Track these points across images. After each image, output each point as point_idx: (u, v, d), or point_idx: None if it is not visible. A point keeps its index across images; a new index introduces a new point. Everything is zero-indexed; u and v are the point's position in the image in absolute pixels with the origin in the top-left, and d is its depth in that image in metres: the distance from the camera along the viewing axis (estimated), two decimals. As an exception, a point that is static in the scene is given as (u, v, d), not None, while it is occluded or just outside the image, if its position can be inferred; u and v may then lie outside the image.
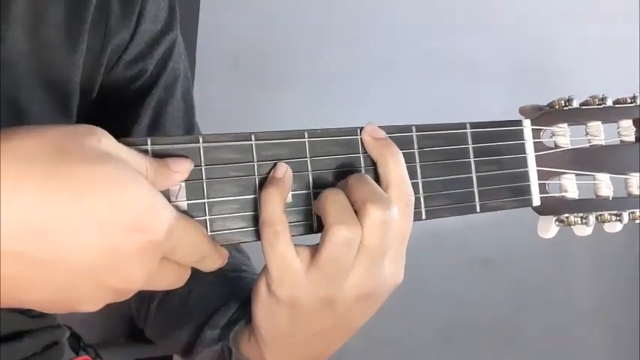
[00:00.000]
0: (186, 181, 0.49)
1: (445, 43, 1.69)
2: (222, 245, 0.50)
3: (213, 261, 0.49)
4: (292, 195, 0.52)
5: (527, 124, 0.63)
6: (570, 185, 0.63)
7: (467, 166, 0.60)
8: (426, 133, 0.58)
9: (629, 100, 0.65)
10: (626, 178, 0.65)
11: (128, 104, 0.68)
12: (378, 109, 1.61)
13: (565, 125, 0.63)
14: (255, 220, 0.51)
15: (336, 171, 0.54)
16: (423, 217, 0.57)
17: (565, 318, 1.90)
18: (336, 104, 1.63)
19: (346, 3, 1.64)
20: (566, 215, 0.63)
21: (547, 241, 0.65)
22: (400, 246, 0.53)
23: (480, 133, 0.60)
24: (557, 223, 0.63)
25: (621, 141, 0.65)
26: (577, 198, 0.63)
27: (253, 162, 0.52)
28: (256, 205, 0.51)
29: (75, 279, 0.42)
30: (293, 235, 0.50)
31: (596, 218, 0.63)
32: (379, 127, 0.56)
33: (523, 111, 0.65)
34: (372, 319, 0.56)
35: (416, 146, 0.57)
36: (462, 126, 0.60)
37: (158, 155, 0.48)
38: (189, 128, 0.72)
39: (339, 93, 1.63)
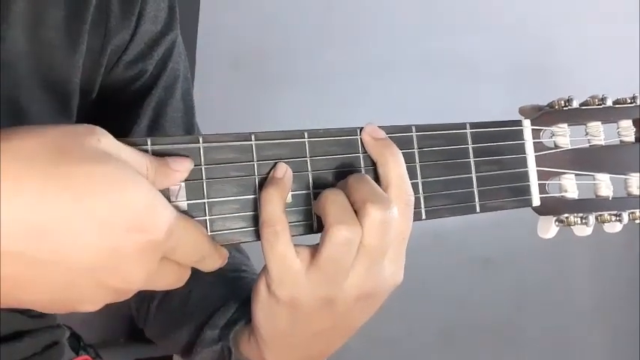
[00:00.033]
0: (186, 181, 0.49)
1: (445, 43, 1.69)
2: (222, 245, 0.50)
3: (213, 261, 0.49)
4: (292, 195, 0.52)
5: (527, 124, 0.63)
6: (570, 185, 0.63)
7: (467, 166, 0.60)
8: (426, 133, 0.58)
9: (628, 101, 0.65)
10: (625, 179, 0.65)
11: (128, 105, 0.68)
12: (378, 109, 1.61)
13: (565, 125, 0.63)
14: (255, 220, 0.51)
15: (335, 171, 0.54)
16: (423, 217, 0.57)
17: (565, 318, 1.90)
18: (336, 104, 1.63)
19: (346, 3, 1.64)
20: (566, 215, 0.63)
21: (547, 241, 0.65)
22: (400, 246, 0.53)
23: (479, 133, 0.60)
24: (557, 223, 0.63)
25: (621, 141, 0.65)
26: (577, 198, 0.63)
27: (253, 162, 0.52)
28: (256, 205, 0.51)
29: (75, 279, 0.42)
30: (293, 235, 0.50)
31: (596, 218, 0.63)
32: (379, 127, 0.56)
33: (523, 111, 0.65)
34: (372, 319, 0.56)
35: (416, 146, 0.57)
36: (462, 126, 0.60)
37: (158, 155, 0.48)
38: (189, 128, 0.72)
39: (339, 93, 1.63)
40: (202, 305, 0.66)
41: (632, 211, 0.64)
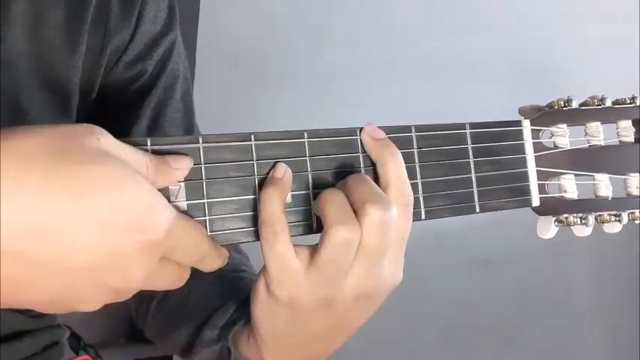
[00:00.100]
0: (185, 181, 0.49)
1: (445, 43, 1.69)
2: (221, 245, 0.50)
3: (213, 261, 0.49)
4: (292, 195, 0.52)
5: (526, 124, 0.63)
6: (569, 185, 0.63)
7: (466, 166, 0.60)
8: (426, 134, 0.58)
9: (628, 101, 0.65)
10: (625, 179, 0.65)
11: (127, 105, 0.68)
12: (378, 109, 1.61)
13: (564, 126, 0.63)
14: (255, 221, 0.51)
15: (335, 171, 0.54)
16: (423, 217, 0.57)
17: (565, 318, 1.90)
18: (336, 104, 1.63)
19: (346, 3, 1.64)
20: (566, 215, 0.63)
21: (547, 241, 0.65)
22: (399, 246, 0.53)
23: (479, 134, 0.60)
24: (556, 223, 0.63)
25: (620, 141, 0.65)
26: (576, 198, 0.63)
27: (253, 162, 0.52)
28: (256, 206, 0.51)
29: (75, 279, 0.42)
30: (292, 236, 0.50)
31: (596, 219, 0.63)
32: (379, 127, 0.56)
33: (522, 111, 0.65)
34: (372, 319, 0.56)
35: (415, 146, 0.57)
36: (462, 126, 0.60)
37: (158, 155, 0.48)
38: (189, 129, 0.72)
39: (339, 93, 1.63)
40: (201, 305, 0.66)
41: (631, 211, 0.64)
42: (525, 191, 0.62)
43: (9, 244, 0.39)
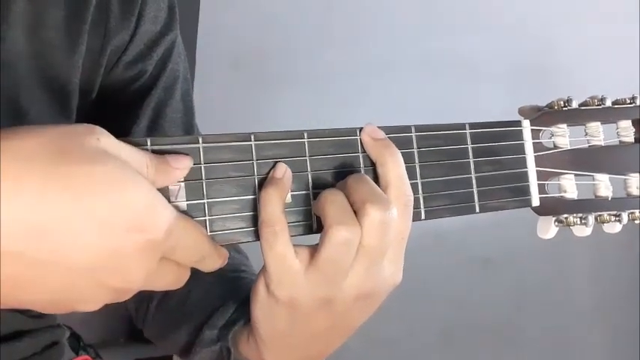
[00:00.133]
0: (185, 181, 0.49)
1: (445, 43, 1.69)
2: (221, 245, 0.50)
3: (213, 261, 0.49)
4: (292, 195, 0.52)
5: (526, 124, 0.63)
6: (569, 186, 0.63)
7: (466, 166, 0.60)
8: (426, 134, 0.58)
9: (628, 101, 0.65)
10: (625, 179, 0.65)
11: (127, 105, 0.68)
12: (378, 109, 1.61)
13: (564, 126, 0.63)
14: (255, 221, 0.51)
15: (335, 171, 0.54)
16: (423, 217, 0.57)
17: (565, 318, 1.90)
18: (336, 104, 1.63)
19: (346, 3, 1.64)
20: (566, 216, 0.63)
21: (547, 241, 0.65)
22: (399, 246, 0.53)
23: (479, 134, 0.60)
24: (556, 223, 0.63)
25: (620, 141, 0.65)
26: (576, 198, 0.63)
27: (253, 162, 0.52)
28: (256, 206, 0.51)
29: (75, 279, 0.42)
30: (292, 236, 0.50)
31: (596, 219, 0.63)
32: (378, 127, 0.56)
33: (522, 111, 0.65)
34: (372, 319, 0.56)
35: (415, 146, 0.57)
36: (462, 126, 0.60)
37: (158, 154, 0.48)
38: (189, 129, 0.72)
39: (339, 93, 1.63)
40: (201, 305, 0.66)
41: (631, 211, 0.64)
42: (525, 191, 0.62)
43: (9, 244, 0.39)
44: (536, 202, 0.63)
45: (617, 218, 0.63)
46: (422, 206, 0.57)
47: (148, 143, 0.48)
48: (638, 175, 0.65)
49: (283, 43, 1.58)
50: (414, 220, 0.55)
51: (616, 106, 0.65)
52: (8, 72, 0.57)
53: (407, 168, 0.55)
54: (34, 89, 0.60)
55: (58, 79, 0.61)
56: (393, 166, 0.54)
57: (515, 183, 0.62)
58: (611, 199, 0.64)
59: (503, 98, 1.59)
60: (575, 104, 0.64)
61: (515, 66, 1.75)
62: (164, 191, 0.47)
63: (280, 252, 0.49)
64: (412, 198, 0.54)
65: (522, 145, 0.62)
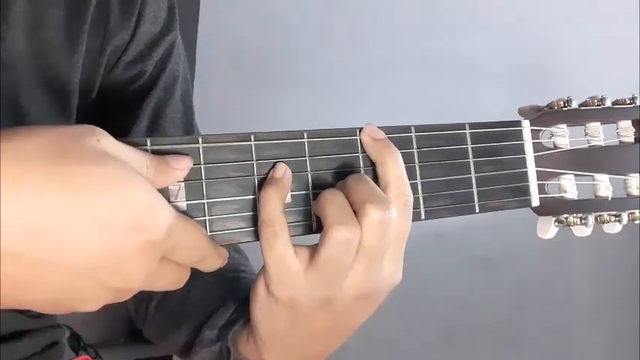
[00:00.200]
0: (185, 181, 0.49)
1: (445, 43, 1.69)
2: (221, 245, 0.50)
3: (213, 261, 0.49)
4: (291, 195, 0.52)
5: (526, 124, 0.63)
6: (569, 186, 0.63)
7: (466, 166, 0.60)
8: (425, 134, 0.58)
9: (628, 101, 0.65)
10: (625, 179, 0.65)
11: (127, 105, 0.68)
12: (378, 109, 1.61)
13: (564, 126, 0.63)
14: (255, 221, 0.51)
15: (335, 171, 0.54)
16: (422, 217, 0.57)
17: (565, 318, 1.90)
18: (336, 104, 1.63)
19: (346, 3, 1.64)
20: (566, 216, 0.63)
21: (547, 241, 0.65)
22: (399, 246, 0.53)
23: (479, 134, 0.60)
24: (556, 223, 0.63)
25: (620, 142, 0.65)
26: (576, 198, 0.63)
27: (252, 162, 0.52)
28: (255, 206, 0.51)
29: (75, 279, 0.42)
30: (292, 236, 0.50)
31: (596, 219, 0.63)
32: (378, 127, 0.56)
33: (522, 111, 0.65)
34: (372, 319, 0.56)
35: (415, 146, 0.57)
36: (461, 126, 0.60)
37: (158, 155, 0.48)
38: (188, 129, 0.72)
39: (339, 93, 1.63)
40: (201, 305, 0.66)
41: (631, 211, 0.64)
42: (525, 191, 0.62)
43: (9, 244, 0.39)
44: (536, 202, 0.63)
45: (617, 218, 0.63)
46: (422, 206, 0.57)
47: (148, 143, 0.48)
48: (638, 175, 0.65)
49: (283, 43, 1.59)
50: (413, 220, 0.55)
51: (616, 107, 0.65)
52: (8, 72, 0.57)
53: (407, 168, 0.55)
54: (34, 89, 0.60)
55: (58, 79, 0.61)
56: (393, 166, 0.54)
57: (515, 183, 0.62)
58: (611, 199, 0.64)
59: (503, 98, 1.60)
60: (575, 104, 0.64)
61: (515, 66, 1.76)
62: (164, 191, 0.48)
63: (280, 252, 0.49)
64: (412, 198, 0.54)
65: (522, 145, 0.62)
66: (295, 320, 0.53)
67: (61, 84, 0.62)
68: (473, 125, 0.60)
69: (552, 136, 0.64)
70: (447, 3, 1.71)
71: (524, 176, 0.62)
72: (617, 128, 0.65)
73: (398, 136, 0.56)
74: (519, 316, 1.86)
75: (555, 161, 0.63)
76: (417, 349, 1.78)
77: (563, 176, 0.63)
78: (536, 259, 1.77)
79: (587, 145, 0.64)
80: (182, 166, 0.48)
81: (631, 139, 0.65)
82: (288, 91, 1.60)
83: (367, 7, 1.64)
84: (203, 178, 0.50)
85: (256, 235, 0.51)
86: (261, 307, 0.53)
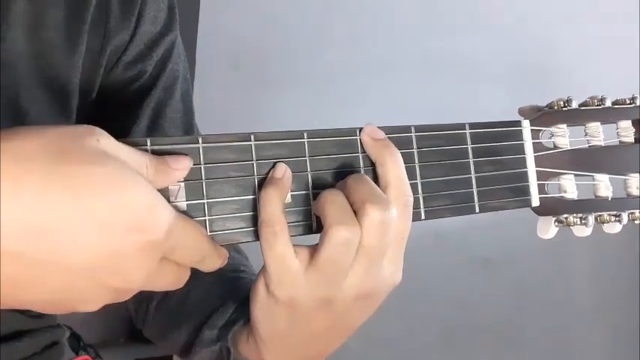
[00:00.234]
0: (185, 181, 0.49)
1: (445, 43, 1.69)
2: (221, 245, 0.50)
3: (213, 261, 0.49)
4: (291, 195, 0.52)
5: (526, 124, 0.63)
6: (569, 186, 0.63)
7: (466, 166, 0.60)
8: (425, 134, 0.58)
9: (628, 101, 0.65)
10: (625, 179, 0.65)
11: (127, 105, 0.68)
12: (378, 109, 1.61)
13: (564, 126, 0.63)
14: (255, 221, 0.51)
15: (335, 171, 0.54)
16: (422, 217, 0.57)
17: (565, 318, 1.90)
18: (336, 104, 1.63)
19: (346, 3, 1.64)
20: (566, 216, 0.63)
21: (547, 241, 0.65)
22: (399, 246, 0.53)
23: (479, 134, 0.60)
24: (556, 223, 0.63)
25: (620, 142, 0.65)
26: (576, 198, 0.63)
27: (252, 162, 0.52)
28: (255, 206, 0.51)
29: (75, 279, 0.42)
30: (292, 236, 0.50)
31: (596, 219, 0.63)
32: (378, 127, 0.56)
33: (522, 111, 0.65)
34: (372, 319, 0.56)
35: (415, 146, 0.57)
36: (461, 126, 0.60)
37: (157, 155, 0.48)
38: (188, 129, 0.72)
39: (339, 93, 1.63)
40: (201, 305, 0.66)
41: (631, 211, 0.64)
42: (525, 191, 0.62)
43: (9, 244, 0.39)
44: (536, 202, 0.63)
45: (617, 218, 0.63)
46: (422, 206, 0.57)
47: (148, 143, 0.48)
48: (638, 175, 0.65)
49: (283, 43, 1.59)
50: (413, 220, 0.55)
51: (616, 107, 0.65)
52: (8, 72, 0.57)
53: (407, 168, 0.55)
54: (34, 89, 0.60)
55: (58, 79, 0.61)
56: (393, 166, 0.54)
57: (515, 183, 0.62)
58: (611, 199, 0.64)
59: (503, 98, 1.60)
60: (575, 104, 0.64)
61: (515, 66, 1.76)
62: (164, 191, 0.48)
63: (280, 252, 0.49)
64: (412, 198, 0.54)
65: (522, 145, 0.62)
66: (295, 320, 0.53)
67: (61, 84, 0.62)
68: (473, 125, 0.60)
69: (552, 136, 0.64)
70: (447, 3, 1.71)
71: (524, 176, 0.62)
72: (617, 128, 0.65)
73: (398, 136, 0.56)
74: (519, 316, 1.86)
75: (555, 161, 0.63)
76: (417, 349, 1.78)
77: (563, 176, 0.63)
78: (536, 259, 1.77)
79: (587, 145, 0.64)
80: (182, 166, 0.48)
81: (631, 139, 0.65)
82: (288, 91, 1.60)
83: (367, 7, 1.64)
84: (203, 178, 0.50)
85: (256, 235, 0.51)
86: (261, 307, 0.53)
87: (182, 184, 0.49)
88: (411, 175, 0.55)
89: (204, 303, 0.66)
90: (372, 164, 0.55)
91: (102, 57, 0.64)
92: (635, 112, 0.65)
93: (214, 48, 1.48)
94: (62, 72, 0.61)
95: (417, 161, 0.57)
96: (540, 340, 1.89)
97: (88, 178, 0.41)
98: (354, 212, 0.50)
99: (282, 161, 0.52)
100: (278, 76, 1.59)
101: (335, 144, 0.55)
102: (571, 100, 0.64)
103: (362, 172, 0.55)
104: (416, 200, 0.56)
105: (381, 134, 0.55)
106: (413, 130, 0.57)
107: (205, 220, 0.50)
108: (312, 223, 0.53)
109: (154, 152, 0.48)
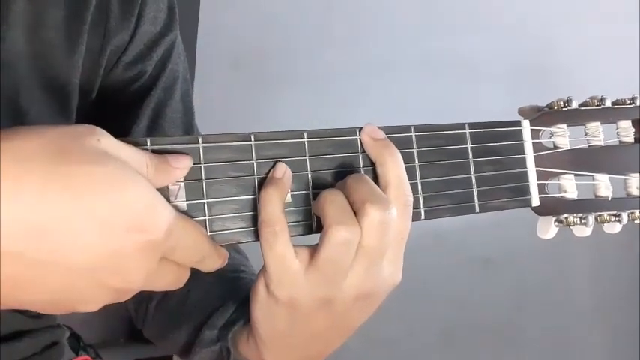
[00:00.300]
0: (185, 181, 0.49)
1: (445, 43, 1.69)
2: (221, 245, 0.50)
3: (213, 261, 0.49)
4: (291, 195, 0.52)
5: (526, 124, 0.63)
6: (569, 186, 0.63)
7: (466, 166, 0.60)
8: (425, 134, 0.58)
9: (627, 101, 0.65)
10: (625, 179, 0.65)
11: (127, 105, 0.68)
12: (378, 109, 1.61)
13: (564, 126, 0.63)
14: (255, 220, 0.51)
15: (335, 171, 0.54)
16: (422, 217, 0.57)
17: (565, 318, 1.90)
18: (336, 104, 1.63)
19: (346, 3, 1.64)
20: (565, 216, 0.63)
21: (547, 241, 0.65)
22: (399, 246, 0.53)
23: (479, 134, 0.60)
24: (556, 223, 0.63)
25: (620, 142, 0.66)
26: (576, 198, 0.63)
27: (252, 162, 0.52)
28: (255, 206, 0.51)
29: (75, 279, 0.42)
30: (292, 236, 0.50)
31: (595, 219, 0.63)
32: (378, 127, 0.56)
33: (522, 111, 0.65)
34: (372, 319, 0.56)
35: (415, 146, 0.57)
36: (461, 126, 0.60)
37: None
38: (188, 129, 0.72)
39: (339, 93, 1.63)
40: (201, 305, 0.66)
41: (631, 211, 0.64)
42: (525, 191, 0.62)
43: (9, 244, 0.39)
44: (536, 202, 0.63)
45: (617, 218, 0.63)
46: (422, 206, 0.57)
47: (148, 143, 0.48)
48: (638, 175, 0.65)
49: (283, 43, 1.59)
50: (413, 220, 0.55)
51: (616, 107, 0.65)
52: (8, 72, 0.57)
53: (407, 168, 0.55)
54: (34, 89, 0.60)
55: (58, 79, 0.61)
56: (393, 166, 0.54)
57: (515, 183, 0.62)
58: (611, 199, 0.64)
59: (503, 98, 1.60)
60: (575, 104, 0.64)
61: (515, 66, 1.76)
62: (164, 191, 0.48)
63: (280, 252, 0.49)
64: (412, 198, 0.54)
65: (522, 145, 0.62)
66: (295, 320, 0.53)
67: (61, 84, 0.62)
68: (473, 125, 0.60)
69: (552, 136, 0.64)
70: (447, 3, 1.71)
71: (524, 176, 0.62)
72: (617, 128, 0.65)
73: (398, 136, 0.56)
74: (519, 316, 1.86)
75: (555, 161, 0.63)
76: (417, 349, 1.78)
77: (563, 176, 0.63)
78: (536, 259, 1.77)
79: (587, 145, 0.64)
80: (182, 165, 0.48)
81: (631, 139, 0.65)
82: (288, 91, 1.60)
83: (367, 7, 1.64)
84: (203, 178, 0.50)
85: (256, 235, 0.51)
86: (261, 307, 0.53)
87: (182, 184, 0.49)
88: (410, 175, 0.55)
89: (204, 303, 0.66)
90: (372, 164, 0.55)
91: (102, 57, 0.64)
92: (635, 112, 0.65)
93: (214, 48, 1.48)
94: (62, 72, 0.61)
95: (416, 161, 0.57)
96: (540, 340, 1.89)
97: (89, 178, 0.41)
98: (354, 212, 0.50)
99: (282, 161, 0.52)
100: (278, 76, 1.59)
101: (335, 144, 0.55)
102: (571, 100, 0.64)
103: (362, 172, 0.55)
104: (416, 200, 0.56)
105: (381, 134, 0.55)
106: (413, 130, 0.57)
107: (205, 220, 0.50)
108: (312, 223, 0.53)
109: (154, 152, 0.48)
